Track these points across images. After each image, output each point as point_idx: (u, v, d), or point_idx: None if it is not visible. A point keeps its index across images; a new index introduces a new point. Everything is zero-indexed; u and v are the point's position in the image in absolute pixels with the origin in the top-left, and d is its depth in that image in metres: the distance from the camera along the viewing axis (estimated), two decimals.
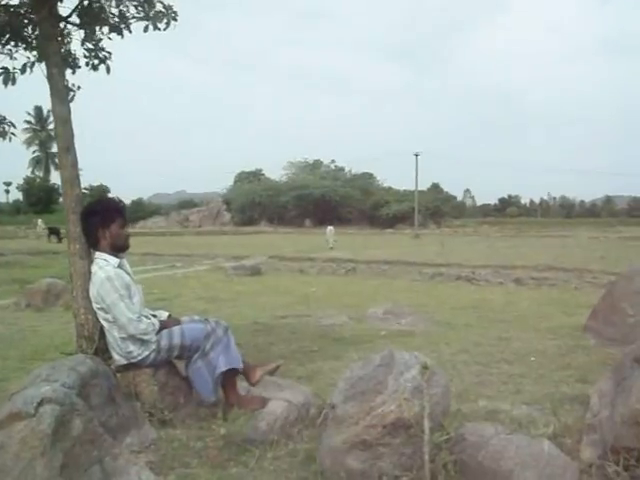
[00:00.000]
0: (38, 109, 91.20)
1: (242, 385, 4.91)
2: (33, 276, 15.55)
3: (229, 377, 4.73)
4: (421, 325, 9.48)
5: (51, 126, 72.91)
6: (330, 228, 37.46)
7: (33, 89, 5.38)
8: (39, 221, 59.13)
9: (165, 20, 5.80)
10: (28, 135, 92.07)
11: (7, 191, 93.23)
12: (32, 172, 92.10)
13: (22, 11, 5.53)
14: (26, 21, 5.61)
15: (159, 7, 5.77)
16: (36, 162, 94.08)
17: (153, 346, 4.62)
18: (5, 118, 5.58)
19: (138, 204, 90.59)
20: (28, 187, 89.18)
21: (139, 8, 5.80)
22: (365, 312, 10.40)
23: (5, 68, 5.51)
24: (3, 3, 5.44)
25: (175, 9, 5.75)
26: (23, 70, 5.62)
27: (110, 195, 77.37)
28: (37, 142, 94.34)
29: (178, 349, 4.70)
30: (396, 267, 20.99)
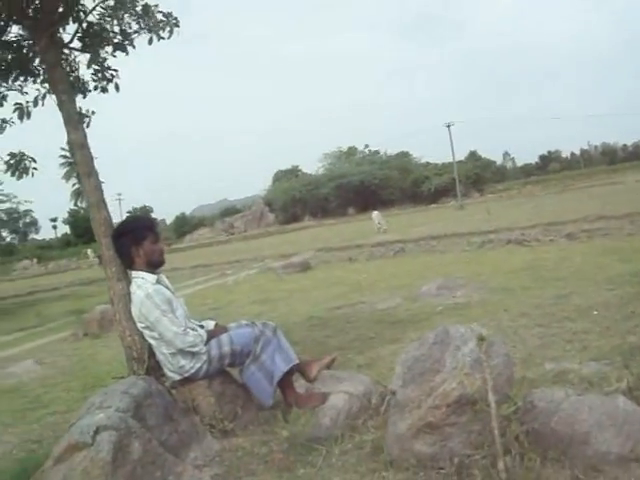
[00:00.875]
0: (67, 130, 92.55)
1: (300, 383, 4.81)
2: (88, 305, 15.72)
3: (285, 377, 4.63)
4: (476, 295, 9.27)
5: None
6: (376, 213, 37.01)
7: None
8: (89, 251, 60.17)
9: (168, 28, 5.74)
10: (66, 169, 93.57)
11: (54, 227, 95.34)
12: (75, 204, 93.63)
13: (25, 44, 5.51)
14: (31, 54, 5.60)
15: (159, 17, 5.70)
16: (77, 194, 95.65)
17: (204, 357, 4.55)
18: (24, 154, 5.56)
19: (181, 219, 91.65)
20: (73, 219, 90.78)
21: (140, 21, 5.75)
22: (418, 290, 10.23)
23: (19, 104, 5.52)
24: (5, 39, 5.43)
25: (175, 15, 5.66)
26: (35, 103, 5.62)
27: (153, 215, 78.57)
28: (75, 175, 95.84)
29: (229, 357, 4.61)
30: (444, 241, 20.71)
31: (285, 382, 4.63)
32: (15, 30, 5.50)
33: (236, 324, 4.88)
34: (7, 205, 24.83)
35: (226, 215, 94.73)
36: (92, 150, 5.11)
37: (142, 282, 4.60)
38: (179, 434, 4.10)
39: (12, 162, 5.48)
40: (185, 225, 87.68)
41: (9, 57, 5.47)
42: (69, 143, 5.05)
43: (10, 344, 12.76)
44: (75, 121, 5.04)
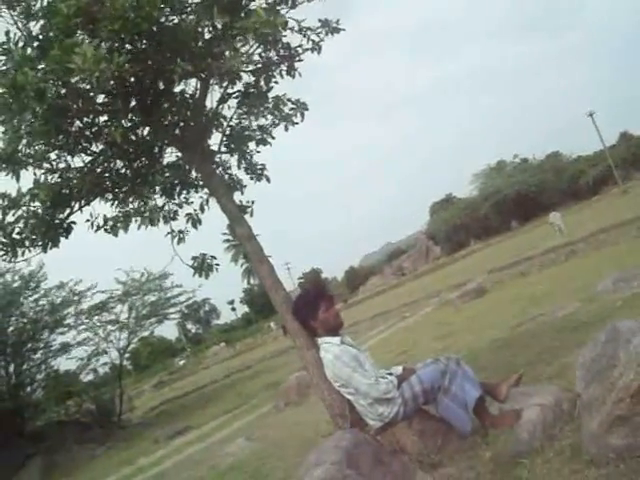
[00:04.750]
0: (232, 227, 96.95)
1: (493, 406, 5.06)
2: (282, 376, 16.48)
3: (478, 403, 4.90)
4: None
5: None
6: (554, 214, 35.09)
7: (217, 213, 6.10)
8: (272, 324, 61.94)
9: (299, 114, 6.32)
10: (231, 253, 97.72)
11: (233, 308, 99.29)
12: (248, 283, 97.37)
13: (182, 162, 6.28)
14: (188, 169, 6.35)
15: (289, 105, 6.31)
16: (248, 272, 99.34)
17: (399, 401, 4.92)
18: (205, 254, 6.25)
19: (351, 272, 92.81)
20: (249, 298, 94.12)
21: (275, 113, 6.37)
22: (595, 289, 10.13)
23: (189, 214, 6.26)
24: (168, 162, 6.23)
25: (303, 100, 6.26)
26: (202, 209, 6.34)
27: (323, 275, 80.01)
28: (242, 255, 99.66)
29: (422, 395, 4.95)
30: (613, 232, 20.15)
31: (479, 407, 4.88)
32: (168, 151, 6.30)
33: (422, 364, 5.23)
34: (184, 296, 26.26)
35: (393, 258, 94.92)
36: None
37: (328, 346, 5.10)
38: (392, 474, 4.47)
39: (196, 264, 6.19)
40: (356, 277, 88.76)
41: (171, 177, 6.24)
42: (238, 237, 5.67)
43: (220, 427, 13.74)
44: (238, 218, 5.69)
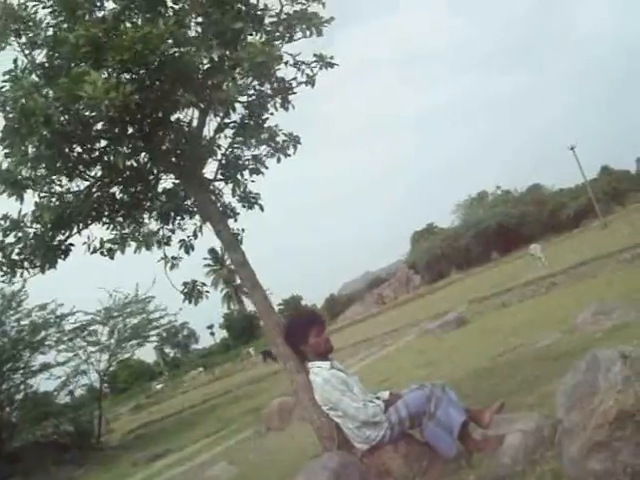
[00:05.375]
0: (213, 251, 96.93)
1: (477, 431, 5.22)
2: (262, 402, 16.49)
3: (462, 428, 5.06)
4: (634, 313, 9.28)
5: (229, 261, 77.29)
6: (534, 245, 35.71)
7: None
8: (250, 350, 61.75)
9: (291, 145, 6.54)
10: (212, 277, 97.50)
11: (212, 333, 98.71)
12: (227, 308, 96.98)
13: (178, 189, 6.46)
14: (184, 196, 6.53)
15: (282, 137, 6.52)
16: (228, 297, 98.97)
17: (385, 424, 5.07)
18: (196, 281, 6.42)
19: (331, 300, 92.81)
20: (229, 323, 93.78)
21: (269, 143, 6.58)
22: (575, 321, 10.32)
23: (182, 240, 6.43)
24: (163, 189, 6.40)
25: (296, 135, 6.48)
26: (195, 236, 6.52)
27: (303, 302, 79.91)
28: (222, 280, 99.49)
29: (408, 420, 5.10)
30: (593, 264, 20.48)
31: (463, 432, 5.04)
32: (164, 177, 6.48)
33: (408, 390, 5.39)
34: (165, 319, 26.22)
35: (373, 286, 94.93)
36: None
37: (318, 370, 5.25)
38: None
39: (186, 290, 6.35)
40: (336, 305, 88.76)
41: (167, 203, 6.41)
42: (232, 262, 5.85)
43: (201, 450, 13.72)
44: (233, 244, 5.87)
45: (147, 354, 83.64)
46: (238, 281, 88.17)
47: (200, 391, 43.59)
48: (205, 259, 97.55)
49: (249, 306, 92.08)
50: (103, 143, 5.80)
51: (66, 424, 23.35)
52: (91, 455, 20.86)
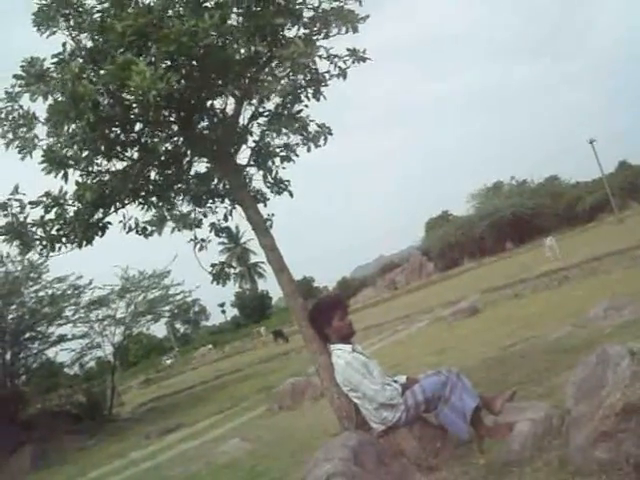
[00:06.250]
0: (228, 229, 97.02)
1: (488, 418, 5.46)
2: (274, 381, 16.76)
3: (474, 414, 5.29)
4: None
5: (243, 239, 77.62)
6: (550, 238, 35.57)
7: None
8: (262, 329, 61.84)
9: (323, 137, 6.74)
10: (227, 255, 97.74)
11: (223, 311, 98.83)
12: (240, 287, 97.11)
13: (211, 173, 6.68)
14: (215, 178, 6.76)
15: (314, 127, 6.72)
16: (241, 276, 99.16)
17: (402, 407, 5.32)
18: (224, 262, 6.67)
19: (343, 283, 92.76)
20: (240, 301, 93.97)
21: (301, 133, 6.78)
22: (586, 316, 10.46)
23: (213, 223, 6.67)
24: (196, 172, 6.64)
25: (328, 125, 6.67)
26: (225, 219, 6.76)
27: (315, 284, 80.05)
28: (236, 258, 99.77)
29: (424, 404, 5.34)
30: (607, 260, 20.47)
31: (475, 418, 5.27)
32: (197, 162, 6.71)
33: (424, 375, 5.63)
34: (180, 295, 26.41)
35: (386, 271, 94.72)
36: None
37: (340, 353, 5.51)
38: (392, 474, 4.89)
39: (215, 272, 6.59)
40: (348, 288, 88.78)
41: (200, 186, 6.65)
42: (262, 246, 6.08)
43: (213, 426, 13.89)
44: (263, 228, 6.10)
45: (157, 329, 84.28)
46: (252, 260, 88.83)
47: (211, 367, 43.57)
48: (220, 236, 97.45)
49: (261, 285, 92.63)
50: (140, 125, 6.03)
51: (79, 394, 23.75)
52: (103, 426, 21.17)
